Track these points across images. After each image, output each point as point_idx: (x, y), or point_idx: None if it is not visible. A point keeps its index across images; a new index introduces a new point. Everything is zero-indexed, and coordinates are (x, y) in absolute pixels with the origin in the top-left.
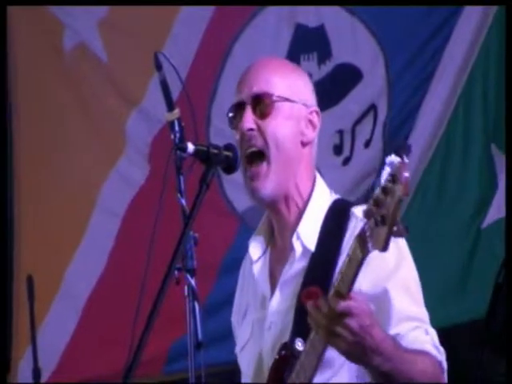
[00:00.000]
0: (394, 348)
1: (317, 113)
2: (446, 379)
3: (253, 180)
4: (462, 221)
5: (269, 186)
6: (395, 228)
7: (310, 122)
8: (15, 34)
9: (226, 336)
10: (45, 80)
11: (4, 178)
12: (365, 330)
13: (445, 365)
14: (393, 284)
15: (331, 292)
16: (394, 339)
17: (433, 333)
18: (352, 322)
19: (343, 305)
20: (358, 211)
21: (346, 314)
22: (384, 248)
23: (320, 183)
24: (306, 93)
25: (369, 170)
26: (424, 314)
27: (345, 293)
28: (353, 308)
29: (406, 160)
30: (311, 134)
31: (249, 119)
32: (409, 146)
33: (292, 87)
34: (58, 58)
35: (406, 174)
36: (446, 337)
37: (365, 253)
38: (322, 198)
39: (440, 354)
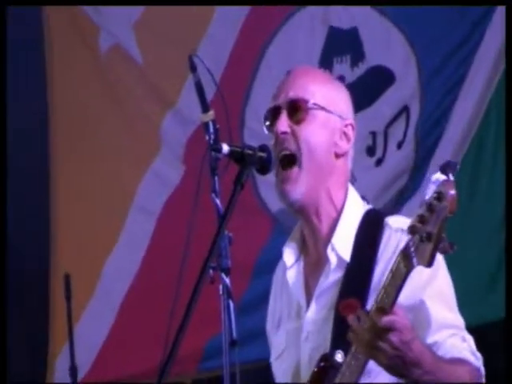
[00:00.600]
0: (433, 360)
1: (352, 126)
2: None
3: (283, 183)
4: (492, 222)
5: (299, 190)
6: (441, 245)
7: (345, 134)
8: (52, 35)
9: (260, 334)
10: (81, 81)
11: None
12: (406, 345)
13: (482, 371)
14: (429, 294)
15: (373, 307)
16: (433, 352)
17: (470, 339)
18: (394, 337)
19: (386, 320)
20: (392, 221)
21: (389, 328)
22: (429, 264)
23: (353, 194)
24: (343, 105)
25: (401, 171)
26: (460, 320)
27: (388, 308)
28: (396, 322)
29: (451, 178)
30: (345, 146)
31: (284, 123)
32: (455, 164)
33: (328, 98)
34: (94, 59)
35: (452, 192)
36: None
37: (409, 268)
38: (355, 209)
39: (477, 360)
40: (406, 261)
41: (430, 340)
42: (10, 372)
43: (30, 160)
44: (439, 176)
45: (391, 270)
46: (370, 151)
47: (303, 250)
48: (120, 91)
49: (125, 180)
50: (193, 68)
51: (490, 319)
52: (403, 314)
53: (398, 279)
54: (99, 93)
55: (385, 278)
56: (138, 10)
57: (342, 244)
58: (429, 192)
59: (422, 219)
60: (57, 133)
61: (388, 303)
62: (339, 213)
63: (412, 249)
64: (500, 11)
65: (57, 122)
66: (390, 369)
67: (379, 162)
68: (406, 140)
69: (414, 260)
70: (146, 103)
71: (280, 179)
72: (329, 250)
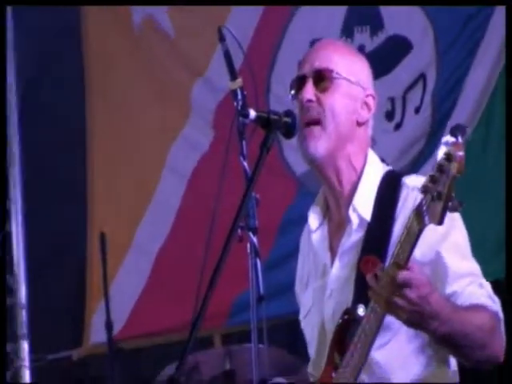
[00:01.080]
0: (452, 310)
1: (373, 97)
2: (503, 328)
3: (305, 139)
4: (502, 186)
5: (320, 147)
6: (450, 203)
7: (366, 104)
8: (86, 11)
9: (285, 290)
10: (115, 53)
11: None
12: (424, 300)
13: (501, 314)
14: (445, 247)
15: (390, 263)
16: (452, 302)
17: (487, 285)
18: (411, 293)
19: (402, 275)
20: (408, 181)
21: (406, 284)
22: (440, 222)
23: (372, 157)
24: (364, 76)
25: (419, 135)
26: (476, 267)
27: (403, 264)
28: (412, 279)
29: (460, 140)
30: (366, 115)
31: (309, 91)
32: (464, 127)
33: (351, 69)
34: (128, 31)
35: (461, 153)
36: None
37: (422, 226)
38: (374, 171)
39: (495, 304)
40: (419, 219)
41: (448, 291)
42: (51, 333)
43: (70, 125)
44: (449, 138)
45: (406, 227)
46: (389, 116)
47: (327, 214)
48: (152, 61)
49: (157, 144)
50: (221, 38)
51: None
52: (419, 270)
53: (412, 236)
54: (133, 63)
55: (400, 235)
56: None
57: (363, 205)
58: (440, 153)
59: (433, 179)
60: (94, 99)
61: (403, 259)
62: (359, 176)
63: (424, 207)
64: None
65: (94, 89)
66: (408, 323)
67: (398, 127)
68: (424, 105)
69: (426, 218)
70: (177, 72)
71: (303, 135)
72: (350, 211)
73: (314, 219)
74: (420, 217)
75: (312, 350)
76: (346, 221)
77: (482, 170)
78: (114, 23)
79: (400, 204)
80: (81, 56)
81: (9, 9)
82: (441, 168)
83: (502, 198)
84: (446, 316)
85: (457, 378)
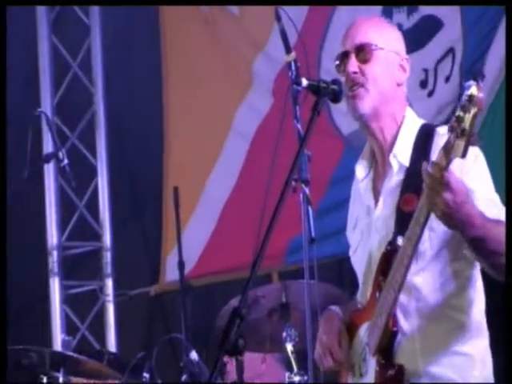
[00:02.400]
0: (484, 221)
1: (407, 60)
2: None
3: (353, 98)
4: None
5: (366, 105)
6: (472, 138)
7: (402, 67)
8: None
9: (333, 234)
10: (189, 32)
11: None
12: (457, 206)
13: None
14: (470, 175)
15: (431, 163)
16: (483, 214)
17: (502, 208)
18: (448, 196)
19: (444, 174)
20: (440, 129)
21: (446, 184)
22: (463, 155)
23: (410, 113)
24: (399, 45)
25: (449, 101)
26: (496, 195)
27: (445, 165)
28: (451, 183)
29: (480, 83)
30: (403, 76)
31: (353, 64)
32: (482, 71)
33: (387, 39)
34: (199, 14)
35: (481, 95)
36: None
37: (448, 160)
38: (412, 124)
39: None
40: (446, 154)
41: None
42: (132, 272)
43: (148, 95)
44: (470, 82)
45: (433, 162)
46: (423, 84)
47: (372, 165)
48: (221, 38)
49: (224, 109)
50: (278, 18)
51: None
52: (457, 178)
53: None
54: (205, 40)
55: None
56: None
57: (402, 152)
58: (463, 96)
59: (458, 119)
60: (169, 69)
61: (444, 163)
62: (399, 128)
63: (450, 144)
64: None
65: (171, 62)
66: (442, 221)
67: (431, 94)
68: (452, 75)
69: (452, 154)
70: (241, 47)
71: (350, 96)
72: (391, 158)
73: (360, 170)
74: (447, 153)
75: (360, 281)
76: (388, 167)
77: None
78: (187, 8)
79: (433, 149)
80: (158, 42)
81: (95, 11)
82: (464, 108)
83: (501, 198)
84: (479, 223)
85: (483, 300)
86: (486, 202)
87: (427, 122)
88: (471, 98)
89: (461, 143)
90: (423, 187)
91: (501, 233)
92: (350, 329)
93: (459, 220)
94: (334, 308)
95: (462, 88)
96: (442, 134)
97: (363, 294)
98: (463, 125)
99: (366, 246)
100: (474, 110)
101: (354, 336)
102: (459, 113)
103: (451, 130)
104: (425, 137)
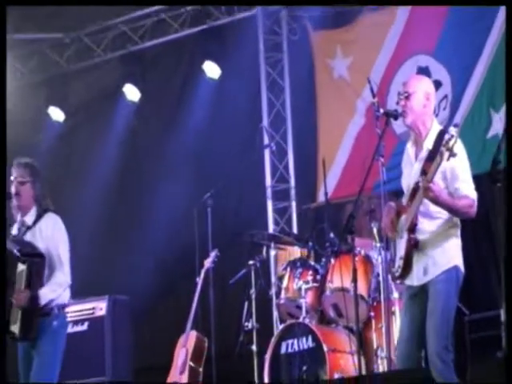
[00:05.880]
0: (450, 201)
1: (431, 94)
2: (475, 203)
3: (402, 113)
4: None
5: (408, 119)
6: (441, 162)
7: (428, 99)
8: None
9: (396, 178)
10: (324, 83)
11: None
12: (437, 196)
13: (475, 197)
14: (456, 165)
15: (423, 179)
16: (451, 196)
17: (473, 190)
18: (431, 194)
19: (431, 187)
20: (452, 130)
21: (430, 189)
22: (432, 177)
23: (435, 121)
24: (428, 88)
25: (443, 120)
26: (472, 184)
27: (430, 180)
28: (434, 190)
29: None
30: (428, 103)
31: (404, 100)
32: (458, 124)
33: (421, 87)
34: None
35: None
36: None
37: (432, 175)
38: (435, 128)
39: (474, 197)
40: (432, 171)
41: (456, 185)
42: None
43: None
44: (452, 133)
45: (436, 160)
46: (434, 110)
47: (413, 145)
48: (341, 88)
49: (341, 124)
50: (373, 94)
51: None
52: (436, 184)
53: (438, 163)
54: (330, 89)
55: (433, 162)
56: None
57: (428, 142)
58: (444, 142)
59: (440, 155)
60: (321, 97)
61: (431, 177)
62: (428, 130)
63: (431, 168)
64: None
65: (322, 113)
66: (430, 201)
67: (437, 115)
68: (446, 106)
69: (434, 172)
70: (349, 95)
71: (402, 115)
72: (424, 144)
73: (409, 146)
74: (442, 154)
75: (405, 198)
76: (420, 148)
77: (482, 168)
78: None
79: (444, 142)
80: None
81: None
82: (441, 153)
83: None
84: (449, 203)
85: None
86: (464, 184)
87: (442, 127)
88: (448, 148)
89: (435, 167)
90: (421, 186)
91: (463, 203)
92: (398, 215)
93: (438, 202)
94: (391, 203)
95: (446, 131)
96: (449, 133)
97: (406, 201)
98: (439, 159)
99: (408, 183)
100: (446, 154)
101: (399, 219)
102: (439, 153)
103: (431, 158)
104: (440, 135)
